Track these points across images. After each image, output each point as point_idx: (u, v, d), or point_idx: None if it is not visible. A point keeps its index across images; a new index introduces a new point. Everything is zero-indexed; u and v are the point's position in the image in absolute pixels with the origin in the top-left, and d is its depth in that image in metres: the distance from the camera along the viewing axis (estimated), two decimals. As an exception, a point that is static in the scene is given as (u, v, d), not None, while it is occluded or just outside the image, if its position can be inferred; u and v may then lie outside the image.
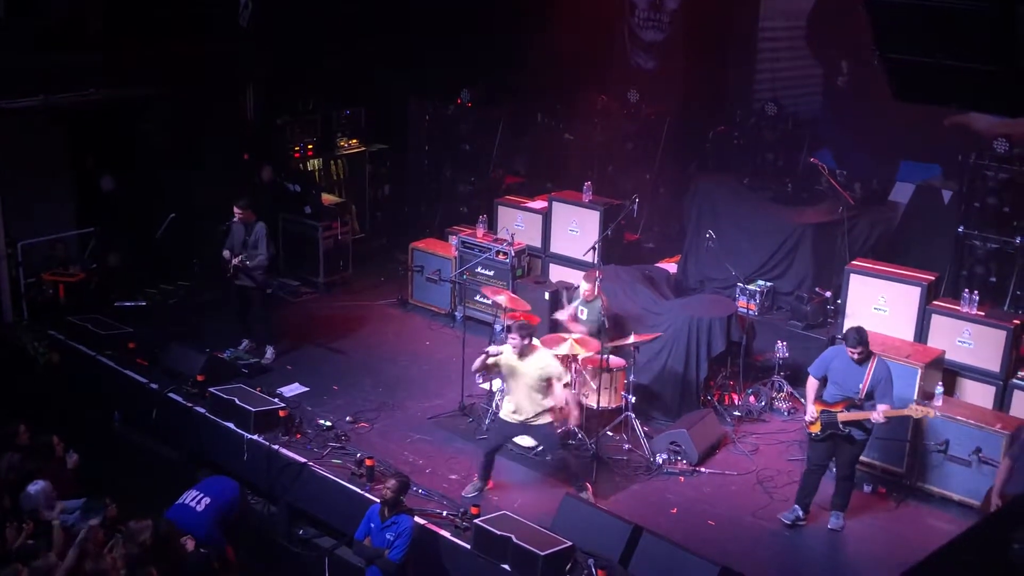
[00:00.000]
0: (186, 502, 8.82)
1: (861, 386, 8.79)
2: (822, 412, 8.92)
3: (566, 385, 9.03)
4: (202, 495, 8.84)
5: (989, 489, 8.64)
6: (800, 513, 9.22)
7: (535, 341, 9.21)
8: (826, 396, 8.97)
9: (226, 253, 11.54)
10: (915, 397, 9.59)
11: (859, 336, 8.78)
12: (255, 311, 11.89)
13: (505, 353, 9.01)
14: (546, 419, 9.05)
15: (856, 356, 8.81)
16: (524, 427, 9.21)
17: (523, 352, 8.93)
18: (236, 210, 11.53)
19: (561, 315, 10.99)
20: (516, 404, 9.08)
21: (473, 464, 9.84)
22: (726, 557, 8.39)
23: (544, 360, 8.99)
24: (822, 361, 9.12)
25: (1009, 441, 8.55)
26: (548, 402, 9.00)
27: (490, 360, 9.00)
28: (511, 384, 9.11)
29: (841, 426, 8.84)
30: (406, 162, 15.87)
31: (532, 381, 8.93)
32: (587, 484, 9.28)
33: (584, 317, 10.66)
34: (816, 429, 8.97)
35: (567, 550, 8.30)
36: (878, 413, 8.64)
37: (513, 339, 8.91)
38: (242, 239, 11.55)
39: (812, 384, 9.07)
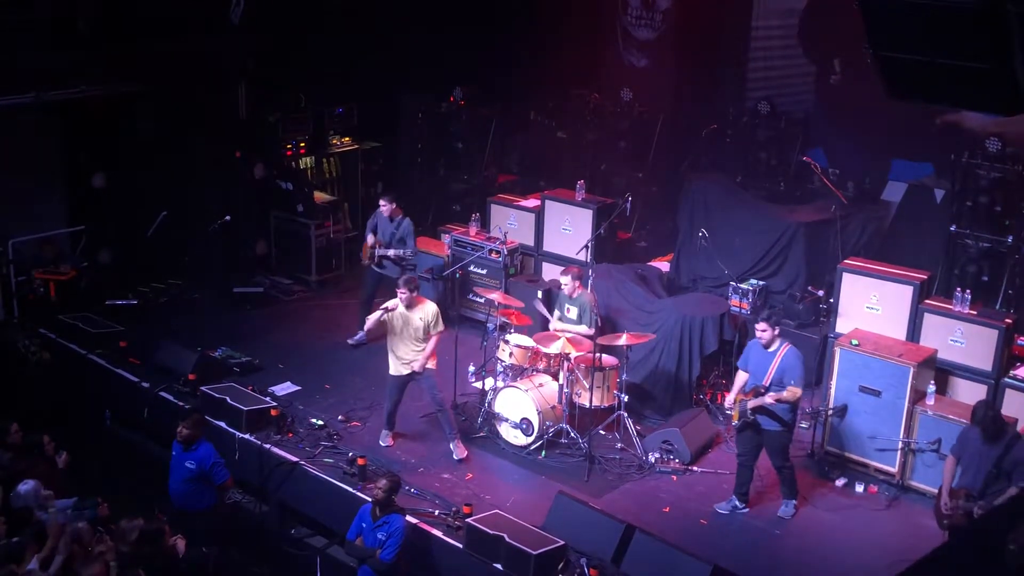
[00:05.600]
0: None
1: (768, 373, 8.97)
2: (739, 402, 9.13)
3: (438, 334, 9.93)
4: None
5: (940, 488, 8.66)
6: (736, 503, 9.40)
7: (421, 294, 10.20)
8: (747, 387, 9.19)
9: (370, 238, 11.88)
10: (907, 396, 9.62)
11: (767, 315, 9.15)
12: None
13: (398, 307, 9.84)
14: (430, 365, 9.92)
15: (763, 340, 9.04)
16: (412, 376, 9.93)
17: (410, 304, 9.79)
18: (382, 203, 11.86)
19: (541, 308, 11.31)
20: (402, 355, 9.88)
21: (466, 464, 9.86)
22: (718, 556, 8.40)
23: (427, 310, 9.85)
24: (744, 352, 9.42)
25: (962, 441, 8.61)
26: (426, 347, 9.83)
27: (385, 316, 9.82)
28: (396, 338, 9.87)
29: (749, 413, 9.03)
30: (399, 160, 15.84)
31: (416, 331, 9.78)
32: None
33: (571, 315, 10.65)
34: (735, 419, 9.21)
35: (559, 549, 8.30)
36: (769, 396, 8.83)
37: (403, 293, 9.75)
38: (390, 231, 11.82)
39: (740, 377, 9.32)
